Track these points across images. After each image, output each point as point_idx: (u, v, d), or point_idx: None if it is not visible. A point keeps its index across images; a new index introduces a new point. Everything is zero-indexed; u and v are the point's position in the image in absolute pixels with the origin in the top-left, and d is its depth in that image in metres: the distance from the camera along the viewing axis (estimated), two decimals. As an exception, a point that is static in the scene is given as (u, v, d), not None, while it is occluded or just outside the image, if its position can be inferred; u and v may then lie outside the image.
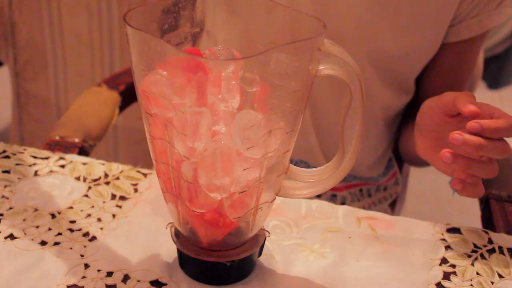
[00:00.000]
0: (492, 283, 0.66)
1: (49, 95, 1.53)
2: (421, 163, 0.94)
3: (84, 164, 0.79)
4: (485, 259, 0.69)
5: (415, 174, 1.96)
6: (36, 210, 0.71)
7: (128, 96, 1.02)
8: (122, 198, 0.74)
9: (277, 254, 0.68)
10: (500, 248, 0.71)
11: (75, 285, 0.62)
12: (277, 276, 0.65)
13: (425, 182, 2.13)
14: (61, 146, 0.85)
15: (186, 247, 0.62)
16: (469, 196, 0.68)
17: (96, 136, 0.90)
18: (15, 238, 0.67)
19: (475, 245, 0.71)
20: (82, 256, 0.65)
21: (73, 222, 0.70)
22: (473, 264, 0.68)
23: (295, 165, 0.63)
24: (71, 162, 0.79)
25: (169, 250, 0.67)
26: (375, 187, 1.06)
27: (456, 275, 0.67)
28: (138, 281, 0.63)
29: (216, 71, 0.53)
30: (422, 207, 2.10)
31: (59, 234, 0.68)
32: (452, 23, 0.89)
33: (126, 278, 0.63)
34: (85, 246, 0.67)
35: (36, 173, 0.77)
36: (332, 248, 0.69)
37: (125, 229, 0.70)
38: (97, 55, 1.47)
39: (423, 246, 0.70)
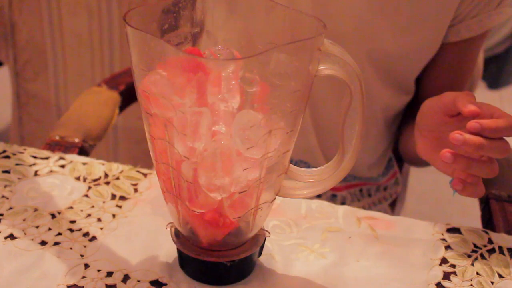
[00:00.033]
0: (492, 283, 0.66)
1: (49, 95, 1.53)
2: (421, 163, 0.94)
3: (84, 164, 0.79)
4: (485, 259, 0.69)
5: (415, 174, 1.96)
6: (36, 210, 0.71)
7: (128, 96, 1.02)
8: (122, 198, 0.74)
9: (277, 254, 0.68)
10: (500, 248, 0.71)
11: (75, 285, 0.62)
12: (277, 276, 0.65)
13: (425, 182, 2.13)
14: (61, 146, 0.85)
15: (186, 247, 0.62)
16: (470, 196, 0.68)
17: (96, 136, 0.90)
18: (15, 238, 0.67)
19: (475, 245, 0.71)
20: (82, 256, 0.65)
21: (73, 222, 0.70)
22: (473, 264, 0.68)
23: (295, 165, 0.63)
24: (71, 162, 0.79)
25: (169, 250, 0.67)
26: (375, 187, 1.06)
27: (456, 275, 0.67)
28: (138, 281, 0.63)
29: (216, 71, 0.53)
30: (422, 207, 2.10)
31: (59, 234, 0.68)
32: (452, 23, 0.89)
33: (126, 278, 0.63)
34: (85, 246, 0.67)
35: (36, 173, 0.77)
36: (332, 248, 0.69)
37: (125, 229, 0.70)
38: (97, 55, 1.47)
39: (423, 246, 0.70)
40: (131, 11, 0.55)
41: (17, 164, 0.78)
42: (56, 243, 0.67)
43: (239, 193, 0.57)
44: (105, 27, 1.44)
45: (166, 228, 0.64)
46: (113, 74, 1.08)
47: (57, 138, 0.87)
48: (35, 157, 0.79)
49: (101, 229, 0.69)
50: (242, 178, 0.56)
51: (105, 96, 0.99)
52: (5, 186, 0.74)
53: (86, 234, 0.68)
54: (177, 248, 0.63)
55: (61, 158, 0.80)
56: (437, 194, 2.14)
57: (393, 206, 1.13)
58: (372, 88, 0.93)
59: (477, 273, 0.67)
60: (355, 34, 0.88)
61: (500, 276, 0.67)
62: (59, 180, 0.76)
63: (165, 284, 0.63)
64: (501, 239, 0.72)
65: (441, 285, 0.65)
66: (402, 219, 0.75)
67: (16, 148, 0.81)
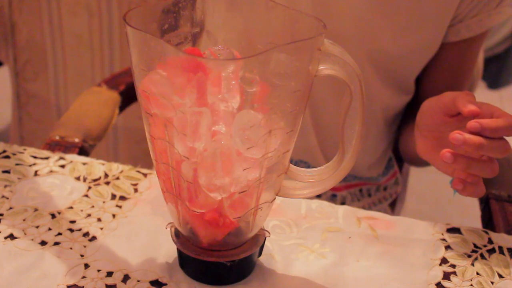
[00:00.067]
0: (492, 283, 0.66)
1: (49, 95, 1.53)
2: (421, 163, 0.94)
3: (84, 164, 0.79)
4: (485, 259, 0.69)
5: (415, 174, 1.96)
6: (36, 210, 0.71)
7: (128, 96, 1.02)
8: (122, 198, 0.74)
9: (277, 254, 0.68)
10: (500, 248, 0.71)
11: (75, 285, 0.62)
12: (277, 276, 0.65)
13: (425, 182, 2.13)
14: (61, 146, 0.85)
15: (186, 247, 0.62)
16: (470, 195, 0.68)
17: (96, 136, 0.90)
18: (15, 238, 0.67)
19: (475, 245, 0.71)
20: (82, 256, 0.65)
21: (73, 222, 0.70)
22: (473, 264, 0.68)
23: (295, 165, 0.63)
24: (71, 162, 0.79)
25: (169, 250, 0.67)
26: (375, 187, 1.06)
27: (456, 275, 0.67)
28: (138, 281, 0.63)
29: (216, 71, 0.53)
30: (422, 207, 2.10)
31: (59, 234, 0.68)
32: (452, 22, 0.90)
33: (126, 278, 0.63)
34: (85, 246, 0.67)
35: (36, 173, 0.77)
36: (332, 248, 0.69)
37: (125, 229, 0.70)
38: (97, 55, 1.47)
39: (423, 246, 0.70)
40: (131, 11, 0.55)
41: (17, 164, 0.78)
42: (56, 243, 0.67)
43: (239, 193, 0.57)
44: (105, 27, 1.44)
45: (166, 228, 0.64)
46: (113, 74, 1.08)
47: (57, 138, 0.87)
48: (35, 157, 0.79)
49: (101, 229, 0.69)
50: (242, 178, 0.56)
51: (105, 96, 0.99)
52: (5, 186, 0.74)
53: (86, 234, 0.68)
54: (177, 248, 0.63)
55: (61, 158, 0.80)
56: (437, 194, 2.14)
57: (393, 206, 1.13)
58: (372, 88, 0.93)
59: (477, 273, 0.67)
60: (355, 34, 0.88)
61: (500, 276, 0.67)
62: (59, 180, 0.76)
63: (165, 284, 0.63)
64: (501, 239, 0.72)
65: (441, 285, 0.65)
66: (402, 219, 0.75)
67: (16, 148, 0.81)
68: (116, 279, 0.63)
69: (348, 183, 1.03)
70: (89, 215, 0.71)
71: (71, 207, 0.72)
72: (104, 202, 0.73)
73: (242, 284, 0.64)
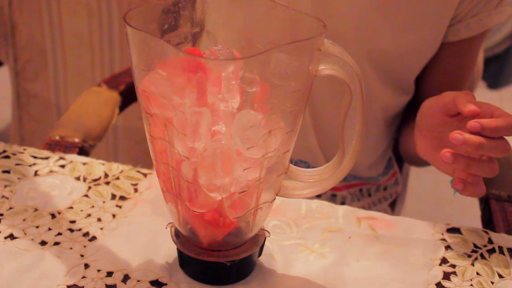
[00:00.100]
0: (492, 283, 0.66)
1: (49, 95, 1.53)
2: (421, 162, 0.94)
3: (84, 164, 0.79)
4: (485, 259, 0.69)
5: (415, 174, 1.96)
6: (36, 210, 0.71)
7: (128, 96, 1.02)
8: (122, 198, 0.74)
9: (277, 254, 0.68)
10: (500, 248, 0.71)
11: (75, 285, 0.62)
12: (277, 276, 0.65)
13: (425, 182, 2.13)
14: (61, 146, 0.85)
15: (186, 247, 0.62)
16: (471, 195, 0.68)
17: (96, 136, 0.90)
18: (15, 238, 0.67)
19: (475, 245, 0.71)
20: (82, 256, 0.65)
21: (73, 222, 0.70)
22: (473, 264, 0.68)
23: (294, 165, 0.63)
24: (71, 162, 0.79)
25: (169, 250, 0.67)
26: (375, 187, 1.06)
27: (456, 275, 0.67)
28: (138, 281, 0.63)
29: (216, 71, 0.53)
30: (422, 207, 2.10)
31: (59, 234, 0.68)
32: (451, 22, 0.89)
33: (126, 278, 0.63)
34: (85, 246, 0.67)
35: (36, 173, 0.77)
36: (332, 248, 0.69)
37: (125, 229, 0.70)
38: (97, 55, 1.47)
39: (423, 246, 0.70)
40: (131, 11, 0.55)
41: (17, 164, 0.78)
42: (56, 243, 0.67)
43: (239, 193, 0.57)
44: (105, 27, 1.44)
45: (166, 228, 0.64)
46: (113, 74, 1.08)
47: (57, 138, 0.87)
48: (35, 157, 0.79)
49: (101, 229, 0.69)
50: (242, 178, 0.56)
51: (105, 96, 0.99)
52: (5, 186, 0.74)
53: (86, 234, 0.68)
54: (177, 248, 0.63)
55: (61, 158, 0.80)
56: (437, 194, 2.14)
57: (393, 206, 1.13)
58: (372, 88, 0.93)
59: (477, 273, 0.67)
60: (354, 34, 0.88)
61: (500, 276, 0.67)
62: (59, 180, 0.76)
63: (165, 284, 0.63)
64: (501, 239, 0.72)
65: (441, 285, 0.65)
66: (402, 219, 0.75)
67: (16, 148, 0.81)
68: (116, 279, 0.63)
69: (348, 183, 1.03)
70: (89, 215, 0.71)
71: (71, 207, 0.72)
72: (104, 202, 0.73)
73: (242, 284, 0.64)
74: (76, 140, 0.87)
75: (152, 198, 0.75)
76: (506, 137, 0.66)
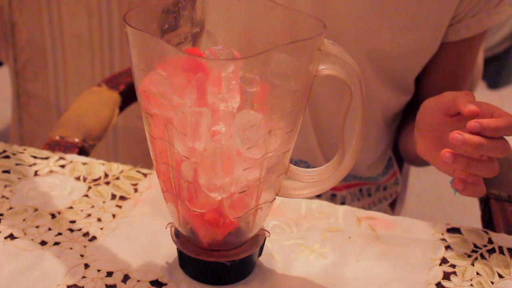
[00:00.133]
0: (492, 283, 0.66)
1: (49, 95, 1.53)
2: (421, 162, 0.94)
3: (84, 164, 0.79)
4: (485, 259, 0.69)
5: (415, 174, 1.96)
6: (36, 210, 0.71)
7: (128, 96, 1.02)
8: (122, 198, 0.74)
9: (277, 254, 0.68)
10: (500, 248, 0.71)
11: (75, 285, 0.62)
12: (277, 276, 0.65)
13: (425, 182, 2.13)
14: (61, 146, 0.85)
15: (186, 247, 0.62)
16: (471, 195, 0.68)
17: (96, 136, 0.90)
18: (15, 238, 0.67)
19: (475, 245, 0.71)
20: (82, 256, 0.65)
21: (73, 222, 0.70)
22: (473, 264, 0.68)
23: (294, 164, 0.63)
24: (71, 162, 0.79)
25: (169, 250, 0.67)
26: (375, 186, 1.06)
27: (456, 275, 0.67)
28: (138, 281, 0.63)
29: (216, 71, 0.53)
30: (422, 207, 2.10)
31: (59, 234, 0.68)
32: (451, 22, 0.89)
33: (126, 278, 0.63)
34: (85, 246, 0.67)
35: (36, 173, 0.77)
36: (332, 248, 0.69)
37: (125, 229, 0.70)
38: (97, 55, 1.47)
39: (423, 246, 0.70)
40: (131, 11, 0.55)
41: (17, 164, 0.78)
42: (56, 243, 0.67)
43: (239, 193, 0.57)
44: (105, 27, 1.44)
45: (166, 228, 0.64)
46: (113, 74, 1.08)
47: (57, 138, 0.87)
48: (35, 157, 0.79)
49: (101, 229, 0.69)
50: (242, 178, 0.56)
51: (105, 96, 0.99)
52: (5, 186, 0.74)
53: (86, 234, 0.68)
54: (177, 248, 0.63)
55: (61, 158, 0.80)
56: (437, 194, 2.14)
57: (393, 206, 1.13)
58: (372, 88, 0.93)
59: (477, 273, 0.67)
60: (354, 34, 0.88)
61: (500, 276, 0.67)
62: (59, 180, 0.76)
63: (165, 284, 0.63)
64: (501, 239, 0.72)
65: (441, 285, 0.65)
66: (402, 219, 0.75)
67: (16, 148, 0.81)
68: (116, 279, 0.63)
69: (348, 183, 1.03)
70: (89, 215, 0.71)
71: (71, 207, 0.72)
72: (104, 202, 0.73)
73: (242, 284, 0.64)
74: (76, 140, 0.87)
75: (152, 198, 0.75)
76: (506, 137, 0.66)
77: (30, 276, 0.62)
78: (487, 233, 0.73)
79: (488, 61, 2.20)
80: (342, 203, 1.02)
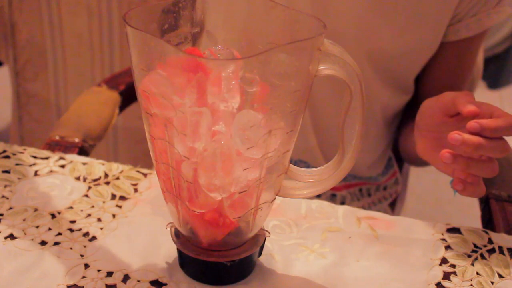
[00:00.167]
0: (492, 283, 0.66)
1: (49, 95, 1.53)
2: (421, 162, 0.94)
3: (84, 164, 0.79)
4: (485, 259, 0.69)
5: (415, 174, 1.96)
6: (36, 210, 0.71)
7: (128, 96, 1.02)
8: (122, 198, 0.74)
9: (277, 254, 0.68)
10: (500, 248, 0.71)
11: (75, 285, 0.62)
12: (277, 276, 0.65)
13: (425, 182, 2.13)
14: (61, 146, 0.85)
15: (186, 247, 0.62)
16: (470, 196, 0.68)
17: (96, 136, 0.90)
18: (15, 238, 0.67)
19: (475, 245, 0.71)
20: (82, 256, 0.65)
21: (73, 222, 0.70)
22: (473, 264, 0.68)
23: (294, 164, 0.63)
24: (71, 162, 0.79)
25: (169, 250, 0.67)
26: (374, 186, 1.06)
27: (456, 275, 0.67)
28: (138, 281, 0.63)
29: (216, 71, 0.53)
30: (422, 207, 2.10)
31: (59, 234, 0.68)
32: (451, 22, 0.90)
33: (126, 278, 0.63)
34: (85, 246, 0.67)
35: (36, 173, 0.77)
36: (332, 248, 0.69)
37: (125, 229, 0.70)
38: (97, 55, 1.47)
39: (423, 246, 0.70)
40: (131, 11, 0.55)
41: (17, 164, 0.78)
42: (56, 243, 0.67)
43: (239, 193, 0.57)
44: (105, 27, 1.44)
45: (166, 228, 0.64)
46: (113, 74, 1.08)
47: (57, 138, 0.87)
48: (35, 157, 0.79)
49: (101, 229, 0.69)
50: (242, 178, 0.56)
51: (105, 96, 0.99)
52: (5, 186, 0.74)
53: (86, 234, 0.68)
54: (177, 248, 0.63)
55: (61, 158, 0.80)
56: (437, 194, 2.14)
57: (393, 206, 1.13)
58: (372, 87, 0.93)
59: (477, 273, 0.67)
60: (354, 34, 0.88)
61: (500, 276, 0.67)
62: (59, 180, 0.76)
63: (165, 284, 0.63)
64: (501, 239, 0.72)
65: (441, 285, 0.65)
66: (402, 219, 0.75)
67: (16, 148, 0.81)
68: (116, 279, 0.63)
69: (347, 183, 1.03)
70: (89, 215, 0.71)
71: (71, 207, 0.72)
72: (104, 202, 0.73)
73: (242, 284, 0.64)
74: (76, 140, 0.87)
75: (152, 198, 0.75)
76: (506, 137, 0.66)
77: (30, 276, 0.62)
78: (487, 233, 0.73)
79: (488, 61, 2.20)
80: (342, 203, 1.02)
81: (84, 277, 0.63)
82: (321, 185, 0.63)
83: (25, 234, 0.68)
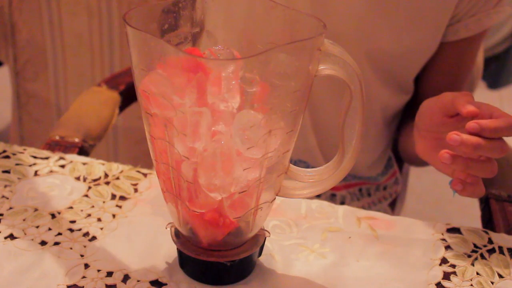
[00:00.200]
0: (492, 283, 0.66)
1: (49, 95, 1.53)
2: (421, 162, 0.94)
3: (84, 164, 0.79)
4: (485, 259, 0.69)
5: (415, 174, 1.96)
6: (36, 210, 0.71)
7: (128, 96, 1.02)
8: (122, 198, 0.74)
9: (277, 254, 0.68)
10: (500, 248, 0.71)
11: (75, 285, 0.62)
12: (277, 276, 0.65)
13: (425, 182, 2.13)
14: (61, 146, 0.85)
15: (186, 247, 0.62)
16: (470, 196, 0.68)
17: (96, 136, 0.90)
18: (15, 238, 0.67)
19: (475, 245, 0.71)
20: (82, 256, 0.65)
21: (73, 222, 0.70)
22: (473, 264, 0.68)
23: (293, 164, 0.63)
24: (71, 162, 0.79)
25: (169, 250, 0.67)
26: (374, 186, 1.06)
27: (456, 275, 0.67)
28: (138, 281, 0.63)
29: (216, 71, 0.53)
30: (422, 207, 2.10)
31: (59, 234, 0.68)
32: (450, 22, 0.90)
33: (126, 278, 0.63)
34: (85, 246, 0.67)
35: (36, 173, 0.77)
36: (332, 248, 0.69)
37: (125, 229, 0.70)
38: (97, 55, 1.47)
39: (423, 246, 0.70)
40: (131, 11, 0.55)
41: (17, 164, 0.78)
42: (56, 243, 0.67)
43: (239, 193, 0.57)
44: (105, 27, 1.44)
45: (166, 228, 0.64)
46: (113, 74, 1.08)
47: (57, 138, 0.87)
48: (35, 157, 0.79)
49: (101, 229, 0.69)
50: (242, 178, 0.57)
51: (105, 96, 0.99)
52: (5, 186, 0.74)
53: (86, 234, 0.68)
54: (177, 248, 0.63)
55: (61, 158, 0.80)
56: (437, 194, 2.14)
57: (393, 206, 1.13)
58: (371, 87, 0.93)
59: (477, 273, 0.67)
60: (353, 34, 0.88)
61: (500, 276, 0.67)
62: (59, 180, 0.76)
63: (165, 284, 0.63)
64: (501, 239, 0.72)
65: (441, 285, 0.65)
66: (402, 219, 0.75)
67: (16, 148, 0.81)
68: (116, 279, 0.63)
69: (347, 183, 1.03)
70: (89, 215, 0.71)
71: (71, 207, 0.72)
72: (104, 202, 0.73)
73: (242, 284, 0.64)
74: (76, 140, 0.87)
75: (152, 198, 0.75)
76: (505, 138, 0.66)
77: (30, 276, 0.62)
78: (487, 233, 0.73)
79: (488, 61, 2.19)
80: (342, 202, 1.02)
81: (84, 277, 0.63)
82: (321, 185, 0.63)
83: (25, 234, 0.68)
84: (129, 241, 0.68)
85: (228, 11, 0.63)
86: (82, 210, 0.72)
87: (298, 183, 0.63)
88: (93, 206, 0.72)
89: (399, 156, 1.10)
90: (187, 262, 0.64)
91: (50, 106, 1.55)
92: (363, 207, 0.98)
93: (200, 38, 0.62)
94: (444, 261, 0.69)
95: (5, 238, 0.67)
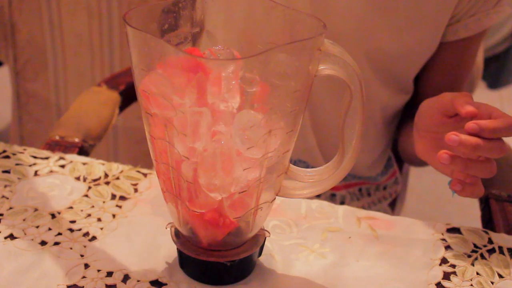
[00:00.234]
0: (492, 283, 0.66)
1: (49, 95, 1.53)
2: (420, 162, 0.94)
3: (84, 164, 0.79)
4: (485, 259, 0.69)
5: (415, 174, 1.95)
6: (36, 210, 0.71)
7: (128, 96, 1.02)
8: (122, 198, 0.74)
9: (277, 254, 0.68)
10: (500, 248, 0.71)
11: (75, 285, 0.62)
12: (277, 276, 0.65)
13: (425, 182, 2.13)
14: (61, 146, 0.85)
15: (186, 247, 0.62)
16: (469, 196, 0.68)
17: (96, 136, 0.90)
18: (15, 238, 0.67)
19: (475, 245, 0.71)
20: (82, 256, 0.65)
21: (73, 222, 0.70)
22: (473, 264, 0.68)
23: (294, 164, 0.63)
24: (71, 162, 0.79)
25: (169, 250, 0.67)
26: (374, 186, 1.06)
27: (456, 275, 0.67)
28: (138, 281, 0.63)
29: (216, 71, 0.53)
30: (422, 207, 2.10)
31: (59, 234, 0.68)
32: (450, 22, 0.90)
33: (126, 278, 0.63)
34: (85, 246, 0.67)
35: (36, 173, 0.77)
36: (332, 248, 0.69)
37: (125, 229, 0.70)
38: (97, 55, 1.47)
39: (423, 246, 0.70)
40: (131, 11, 0.55)
41: (17, 164, 0.78)
42: (56, 243, 0.67)
43: (239, 193, 0.57)
44: (105, 27, 1.44)
45: (166, 228, 0.64)
46: (113, 74, 1.08)
47: (57, 138, 0.87)
48: (35, 157, 0.79)
49: (101, 229, 0.69)
50: (242, 178, 0.57)
51: (105, 96, 0.99)
52: (5, 186, 0.74)
53: (86, 234, 0.68)
54: (177, 248, 0.63)
55: (61, 158, 0.80)
56: (437, 194, 2.14)
57: (393, 206, 1.13)
58: (371, 87, 0.93)
59: (477, 273, 0.67)
60: (353, 34, 0.88)
61: (500, 276, 0.67)
62: (59, 180, 0.76)
63: (165, 284, 0.63)
64: (501, 239, 0.72)
65: (441, 285, 0.65)
66: (402, 219, 0.75)
67: (16, 148, 0.81)
68: (116, 279, 0.63)
69: (347, 183, 1.03)
70: (89, 215, 0.71)
71: (71, 207, 0.72)
72: (104, 202, 0.73)
73: (242, 284, 0.64)
74: (76, 140, 0.87)
75: (152, 198, 0.75)
76: (504, 138, 0.66)
77: (30, 276, 0.62)
78: (487, 233, 0.73)
79: (488, 61, 2.20)
80: (342, 202, 1.02)
81: (84, 277, 0.63)
82: (321, 185, 0.63)
83: (25, 234, 0.68)
84: (129, 241, 0.68)
85: (228, 11, 0.63)
86: (82, 210, 0.72)
87: (298, 183, 0.63)
88: (93, 206, 0.72)
89: (399, 156, 1.10)
90: (187, 262, 0.64)
91: (50, 106, 1.55)
92: (363, 207, 0.99)
93: (200, 38, 0.62)
94: (444, 261, 0.69)
95: (5, 238, 0.67)
